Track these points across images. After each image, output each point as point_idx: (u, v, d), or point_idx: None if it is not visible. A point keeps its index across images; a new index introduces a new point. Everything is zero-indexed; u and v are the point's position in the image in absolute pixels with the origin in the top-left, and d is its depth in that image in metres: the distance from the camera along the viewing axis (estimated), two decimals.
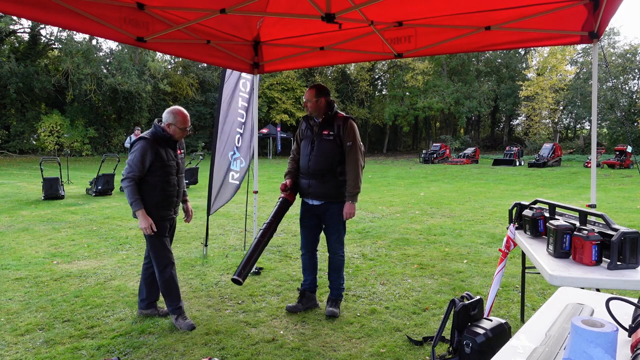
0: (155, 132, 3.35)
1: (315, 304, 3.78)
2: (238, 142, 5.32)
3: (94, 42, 30.07)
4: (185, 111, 3.40)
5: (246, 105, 5.30)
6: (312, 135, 3.60)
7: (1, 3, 2.52)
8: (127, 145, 13.21)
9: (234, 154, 5.29)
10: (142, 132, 13.54)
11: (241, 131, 5.33)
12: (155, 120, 3.42)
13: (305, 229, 3.76)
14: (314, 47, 4.23)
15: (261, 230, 3.41)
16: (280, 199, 3.59)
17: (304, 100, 3.62)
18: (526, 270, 3.50)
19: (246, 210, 5.69)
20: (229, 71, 4.98)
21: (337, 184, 3.51)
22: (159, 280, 3.39)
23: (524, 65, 37.33)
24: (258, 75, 4.96)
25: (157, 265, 3.37)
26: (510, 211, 3.15)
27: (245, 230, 6.36)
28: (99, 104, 30.04)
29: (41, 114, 29.09)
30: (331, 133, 3.49)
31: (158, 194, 3.31)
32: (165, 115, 3.37)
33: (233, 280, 3.16)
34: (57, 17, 2.81)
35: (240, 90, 5.23)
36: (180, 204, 3.65)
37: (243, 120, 5.31)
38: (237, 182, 5.41)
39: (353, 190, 3.45)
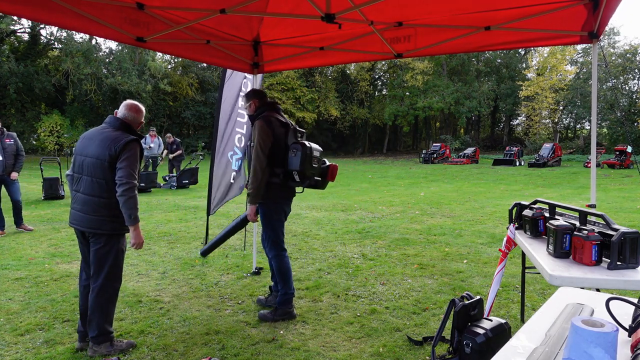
0: (131, 131, 3.02)
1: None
2: (239, 142, 5.33)
3: (93, 42, 30.07)
4: None
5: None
6: None
7: (1, 3, 2.52)
8: (144, 146, 12.84)
9: (235, 153, 5.29)
10: (156, 133, 13.37)
11: (242, 131, 5.33)
12: (116, 118, 3.07)
13: None
14: (314, 47, 4.23)
15: (238, 220, 3.74)
16: None
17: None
18: (526, 270, 3.50)
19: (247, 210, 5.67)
20: (229, 71, 4.98)
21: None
22: (100, 295, 2.95)
23: (524, 65, 37.32)
24: (261, 75, 4.95)
25: (110, 281, 2.98)
26: (510, 211, 3.16)
27: (245, 230, 6.36)
28: (99, 104, 30.03)
29: (41, 114, 29.06)
30: (252, 137, 3.55)
31: None
32: (137, 113, 3.09)
33: (201, 254, 4.08)
34: (58, 17, 2.81)
35: (242, 91, 5.23)
36: None
37: (244, 121, 5.31)
38: (234, 182, 5.42)
39: (249, 191, 3.44)
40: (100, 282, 2.95)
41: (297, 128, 3.60)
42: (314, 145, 3.48)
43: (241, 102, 5.24)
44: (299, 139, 3.53)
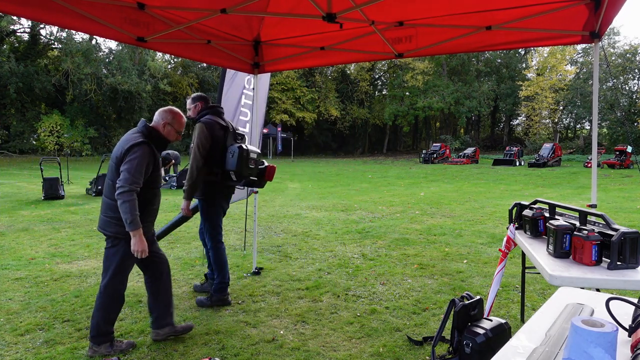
0: (149, 135, 2.93)
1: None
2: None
3: (93, 42, 30.10)
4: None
5: (250, 103, 5.27)
6: None
7: (1, 3, 2.52)
8: None
9: None
10: None
11: (246, 130, 5.31)
12: (144, 121, 3.02)
13: None
14: (315, 47, 4.23)
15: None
16: None
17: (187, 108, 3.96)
18: (526, 270, 3.50)
19: (246, 210, 5.69)
20: (230, 70, 4.97)
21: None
22: (104, 295, 2.94)
23: (523, 65, 37.34)
24: (269, 73, 4.95)
25: (113, 283, 2.95)
26: (510, 211, 3.16)
27: (245, 230, 6.36)
28: (99, 104, 30.06)
29: (41, 114, 29.11)
30: (193, 138, 3.78)
31: (147, 210, 2.96)
32: (160, 114, 3.04)
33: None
34: (58, 17, 2.81)
35: (245, 88, 5.20)
36: None
37: (247, 119, 5.29)
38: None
39: (184, 187, 3.70)
40: (105, 282, 2.96)
41: (237, 132, 3.87)
42: (252, 148, 3.74)
43: (245, 99, 5.23)
44: (238, 142, 3.79)
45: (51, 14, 2.77)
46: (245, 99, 5.23)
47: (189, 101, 3.90)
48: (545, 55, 33.08)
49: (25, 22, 28.82)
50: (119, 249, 2.93)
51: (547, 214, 2.84)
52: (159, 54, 33.45)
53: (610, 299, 1.11)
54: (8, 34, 28.40)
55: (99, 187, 10.82)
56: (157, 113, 3.07)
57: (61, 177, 10.71)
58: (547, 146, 23.34)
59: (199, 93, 3.95)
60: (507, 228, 3.05)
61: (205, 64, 30.03)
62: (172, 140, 3.10)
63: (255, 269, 4.77)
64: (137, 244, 2.81)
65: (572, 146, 32.13)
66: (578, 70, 34.71)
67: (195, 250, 5.68)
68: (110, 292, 2.97)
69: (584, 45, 30.68)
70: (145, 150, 2.84)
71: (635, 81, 33.01)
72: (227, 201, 3.97)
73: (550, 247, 2.42)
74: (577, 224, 2.53)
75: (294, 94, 35.74)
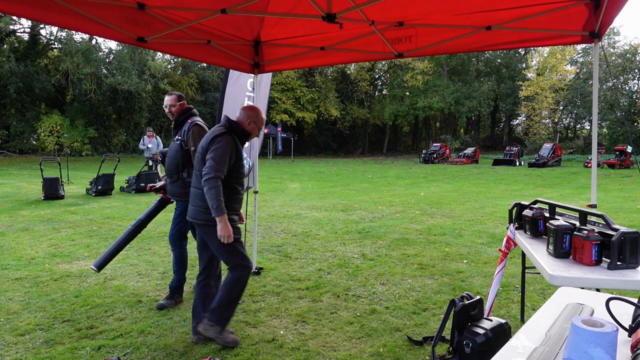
0: (232, 128, 3.09)
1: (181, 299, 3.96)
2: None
3: (93, 42, 30.09)
4: None
5: (252, 104, 5.28)
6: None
7: (1, 3, 2.52)
8: (141, 147, 13.24)
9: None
10: (154, 133, 13.38)
11: None
12: (226, 116, 3.19)
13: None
14: (315, 47, 4.23)
15: (132, 227, 3.79)
16: (159, 198, 3.91)
17: (167, 105, 3.88)
18: (526, 270, 3.50)
19: (246, 211, 5.69)
20: (235, 71, 4.97)
21: (183, 184, 3.70)
22: (230, 285, 3.04)
23: (523, 65, 37.34)
24: (270, 73, 4.95)
25: (236, 264, 3.06)
26: (510, 211, 3.16)
27: (246, 230, 6.36)
28: (99, 104, 30.05)
29: (41, 114, 29.10)
30: (178, 138, 3.75)
31: (232, 198, 3.05)
32: (246, 112, 3.17)
33: (93, 268, 3.65)
34: (58, 17, 2.81)
35: (247, 90, 5.20)
36: None
37: None
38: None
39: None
40: (231, 266, 3.07)
41: None
42: None
43: (247, 101, 5.22)
44: None
45: (51, 14, 2.76)
46: (248, 101, 5.24)
47: (173, 98, 3.85)
48: (545, 55, 33.09)
49: (25, 22, 28.82)
50: (213, 235, 2.98)
51: (547, 214, 2.84)
52: (159, 54, 33.46)
53: (610, 299, 1.11)
54: (8, 34, 28.37)
55: (99, 187, 10.83)
56: (241, 110, 3.21)
57: (61, 177, 10.71)
58: (547, 146, 23.36)
59: (179, 92, 3.99)
60: (507, 228, 3.05)
61: (205, 64, 30.05)
62: (254, 137, 3.25)
63: (255, 269, 4.77)
64: (223, 230, 2.89)
65: (572, 146, 32.14)
66: (578, 70, 34.73)
67: (195, 250, 5.67)
68: (238, 273, 3.06)
69: (584, 45, 30.71)
70: (228, 140, 2.99)
71: (635, 81, 33.04)
72: None
73: (550, 247, 2.42)
74: (577, 224, 2.54)
75: (294, 94, 35.74)
